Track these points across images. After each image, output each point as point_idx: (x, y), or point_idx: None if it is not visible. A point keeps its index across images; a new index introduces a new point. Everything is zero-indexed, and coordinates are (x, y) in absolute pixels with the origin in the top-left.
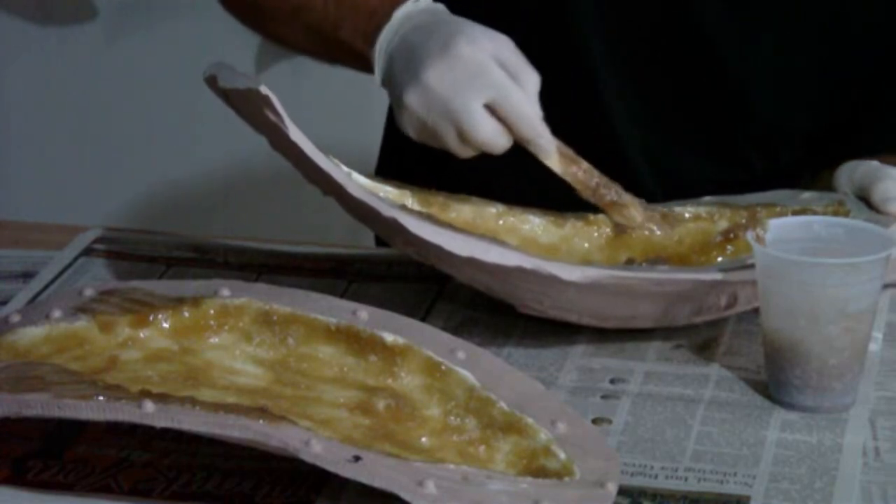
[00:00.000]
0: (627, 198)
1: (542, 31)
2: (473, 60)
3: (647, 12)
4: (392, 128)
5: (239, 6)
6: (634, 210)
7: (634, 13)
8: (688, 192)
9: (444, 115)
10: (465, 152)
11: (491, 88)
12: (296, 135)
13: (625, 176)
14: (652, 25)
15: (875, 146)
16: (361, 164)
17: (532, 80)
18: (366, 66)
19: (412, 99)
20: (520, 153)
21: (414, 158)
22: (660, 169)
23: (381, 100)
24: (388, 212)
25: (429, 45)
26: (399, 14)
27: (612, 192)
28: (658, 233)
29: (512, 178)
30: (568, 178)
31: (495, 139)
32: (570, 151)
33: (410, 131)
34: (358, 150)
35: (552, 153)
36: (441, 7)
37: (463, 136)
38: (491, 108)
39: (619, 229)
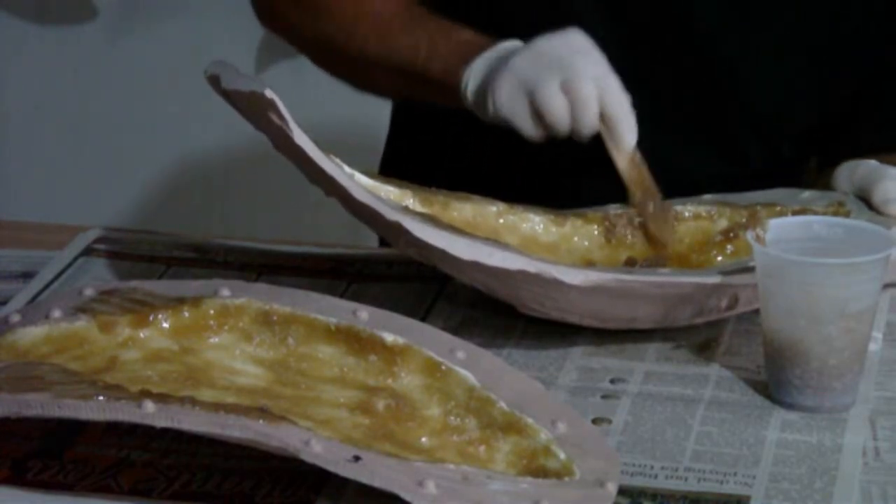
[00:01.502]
0: (669, 221)
1: (538, 27)
2: (584, 43)
3: (646, 8)
4: (397, 129)
5: (330, 63)
6: (668, 232)
7: (634, 9)
8: (689, 187)
9: (552, 66)
10: (558, 108)
11: (598, 65)
12: (300, 137)
13: None
14: (651, 21)
15: (876, 141)
16: (362, 164)
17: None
18: (452, 96)
19: (520, 61)
20: (521, 153)
21: (418, 159)
22: (661, 165)
23: (384, 101)
24: (391, 215)
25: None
26: (504, 46)
27: (659, 207)
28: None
29: (512, 178)
30: (625, 178)
31: (592, 103)
32: (639, 157)
33: (503, 97)
34: (358, 150)
35: (625, 153)
36: None
37: (565, 88)
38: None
39: (610, 234)
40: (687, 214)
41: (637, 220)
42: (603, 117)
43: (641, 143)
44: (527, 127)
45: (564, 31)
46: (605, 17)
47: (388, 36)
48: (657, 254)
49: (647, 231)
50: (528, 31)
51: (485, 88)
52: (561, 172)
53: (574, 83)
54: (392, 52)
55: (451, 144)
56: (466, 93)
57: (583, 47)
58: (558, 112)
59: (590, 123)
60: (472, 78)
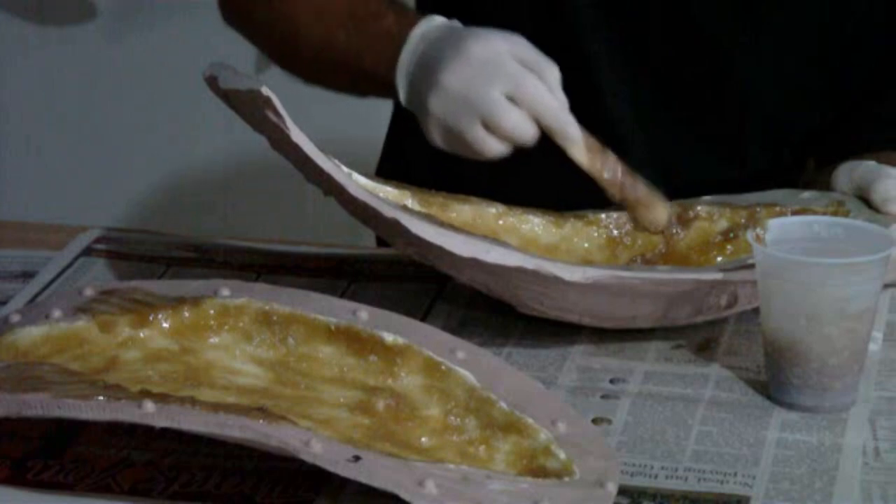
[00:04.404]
0: (653, 196)
1: (542, 31)
2: (487, 56)
3: (647, 11)
4: (395, 130)
5: (281, 57)
6: (661, 210)
7: (635, 11)
8: (690, 190)
9: (466, 111)
10: (493, 147)
11: (508, 80)
12: (297, 136)
13: None
14: (652, 24)
15: (876, 140)
16: (361, 165)
17: (551, 71)
18: (393, 92)
19: (434, 104)
20: (519, 153)
21: (416, 160)
22: (662, 167)
23: (382, 101)
24: (389, 212)
25: (444, 53)
26: (415, 34)
27: (637, 189)
28: (681, 235)
29: (512, 179)
30: (592, 173)
31: (522, 126)
32: (596, 143)
33: (437, 139)
34: (358, 150)
35: (578, 144)
36: (456, 22)
37: (489, 126)
38: (512, 100)
39: (639, 227)
40: (687, 215)
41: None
42: (538, 125)
43: (642, 146)
44: (474, 159)
45: (464, 46)
46: (606, 21)
47: (329, 24)
48: (667, 242)
49: (636, 218)
50: (528, 31)
51: (416, 109)
52: (560, 176)
53: (495, 121)
54: (332, 42)
55: None
56: (402, 98)
57: (484, 64)
58: (495, 150)
59: (528, 142)
60: (400, 86)
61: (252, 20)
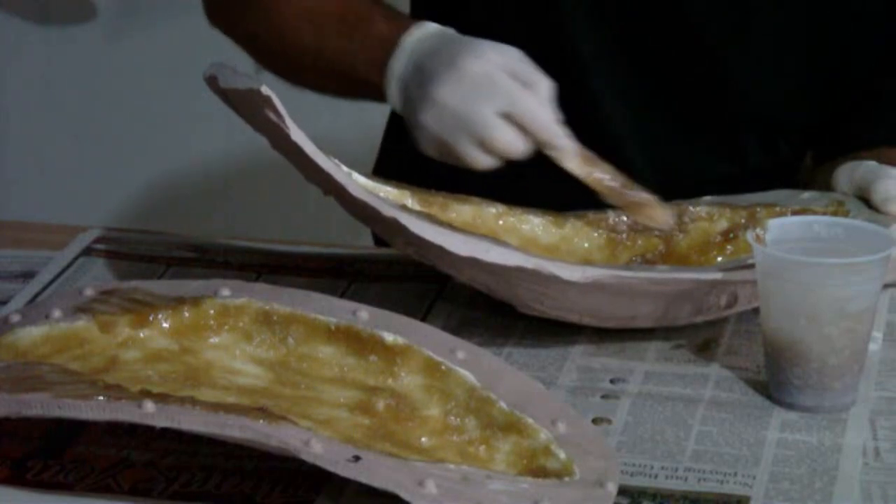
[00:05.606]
0: (651, 198)
1: (535, 35)
2: (481, 73)
3: (641, 11)
4: (392, 129)
5: (270, 60)
6: (660, 210)
7: (629, 13)
8: (687, 188)
9: (460, 128)
10: (485, 162)
11: (502, 97)
12: (297, 135)
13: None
14: (647, 24)
15: (873, 138)
16: (361, 164)
17: (544, 85)
18: (383, 96)
19: (427, 118)
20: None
21: (413, 159)
22: (658, 166)
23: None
24: (388, 212)
25: (438, 65)
26: (409, 40)
27: (637, 193)
28: (681, 235)
29: (511, 179)
30: (589, 182)
31: (515, 144)
32: (590, 153)
33: (431, 151)
34: (357, 150)
35: (573, 156)
36: (450, 30)
37: (483, 145)
38: (506, 117)
39: (639, 226)
40: (687, 216)
41: (628, 218)
42: (531, 140)
43: (640, 146)
44: (468, 168)
45: (458, 61)
46: (598, 21)
47: (319, 28)
48: (667, 243)
49: (639, 220)
50: (522, 34)
51: (408, 118)
52: (560, 176)
53: (487, 140)
54: (322, 47)
55: None
56: (394, 104)
57: (478, 80)
58: (486, 164)
59: (520, 157)
60: (392, 92)
61: (239, 23)
